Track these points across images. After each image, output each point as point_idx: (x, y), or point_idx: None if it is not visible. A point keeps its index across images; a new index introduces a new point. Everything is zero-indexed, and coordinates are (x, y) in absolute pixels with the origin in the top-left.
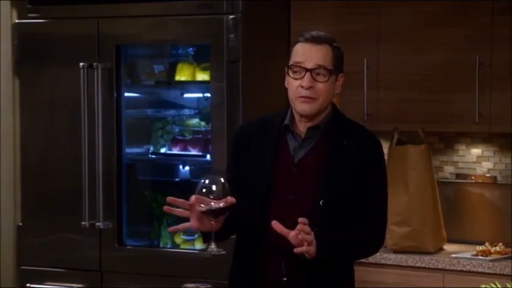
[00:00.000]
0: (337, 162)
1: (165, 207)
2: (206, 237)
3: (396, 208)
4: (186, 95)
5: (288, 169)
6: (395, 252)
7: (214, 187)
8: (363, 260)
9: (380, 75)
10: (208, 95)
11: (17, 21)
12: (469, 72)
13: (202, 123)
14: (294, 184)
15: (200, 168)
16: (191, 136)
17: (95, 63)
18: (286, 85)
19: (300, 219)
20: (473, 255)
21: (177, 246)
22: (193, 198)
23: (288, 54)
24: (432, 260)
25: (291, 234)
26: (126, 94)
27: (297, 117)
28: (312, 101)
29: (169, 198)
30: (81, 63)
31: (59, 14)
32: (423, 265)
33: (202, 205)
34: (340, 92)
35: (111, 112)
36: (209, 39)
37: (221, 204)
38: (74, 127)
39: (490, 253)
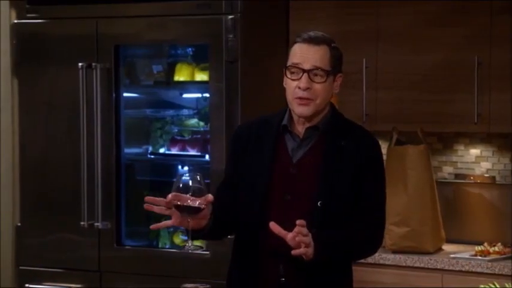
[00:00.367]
0: (335, 163)
1: (146, 205)
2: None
3: (395, 208)
4: (185, 95)
5: (286, 169)
6: (394, 252)
7: (191, 183)
8: (362, 260)
9: (379, 76)
10: (207, 95)
11: (15, 21)
12: (468, 72)
13: (201, 124)
14: (292, 184)
15: (199, 169)
16: (190, 136)
17: (93, 63)
18: (284, 85)
19: (298, 221)
20: (472, 256)
21: (176, 246)
22: (169, 196)
23: (287, 54)
24: (431, 260)
25: (289, 236)
26: (125, 94)
27: (295, 117)
28: (309, 102)
29: (147, 198)
30: (80, 63)
31: (57, 14)
32: (422, 265)
33: (177, 202)
34: (339, 92)
35: (110, 112)
36: (208, 40)
37: (198, 203)
38: (72, 127)
39: (489, 253)
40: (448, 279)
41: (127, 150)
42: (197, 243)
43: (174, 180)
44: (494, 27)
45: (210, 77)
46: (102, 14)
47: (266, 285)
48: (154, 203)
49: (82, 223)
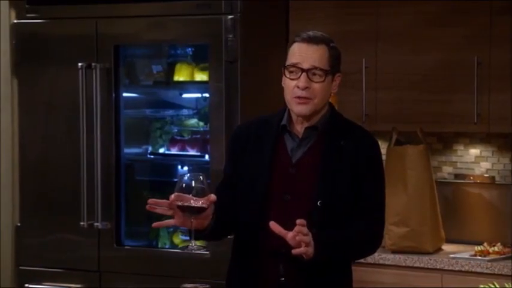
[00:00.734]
0: (334, 163)
1: (148, 206)
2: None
3: (395, 208)
4: (184, 95)
5: (285, 169)
6: (394, 252)
7: (193, 184)
8: (362, 260)
9: (378, 76)
10: (207, 95)
11: (15, 21)
12: (467, 72)
13: (201, 124)
14: (291, 184)
15: (199, 169)
16: (190, 136)
17: (93, 64)
18: (282, 85)
19: (298, 221)
20: (472, 256)
21: (176, 246)
22: (172, 196)
23: (286, 54)
24: (430, 260)
25: (289, 236)
26: (125, 94)
27: (294, 117)
28: (308, 102)
29: (150, 200)
30: (79, 64)
31: (57, 14)
32: (421, 265)
33: (180, 202)
34: (339, 92)
35: (110, 112)
36: (208, 40)
37: (201, 203)
38: (72, 127)
39: (489, 253)
40: (447, 279)
41: (127, 150)
42: (199, 243)
43: (174, 180)
44: (494, 27)
45: (210, 77)
46: (102, 14)
47: (266, 285)
48: (157, 205)
49: (82, 223)
